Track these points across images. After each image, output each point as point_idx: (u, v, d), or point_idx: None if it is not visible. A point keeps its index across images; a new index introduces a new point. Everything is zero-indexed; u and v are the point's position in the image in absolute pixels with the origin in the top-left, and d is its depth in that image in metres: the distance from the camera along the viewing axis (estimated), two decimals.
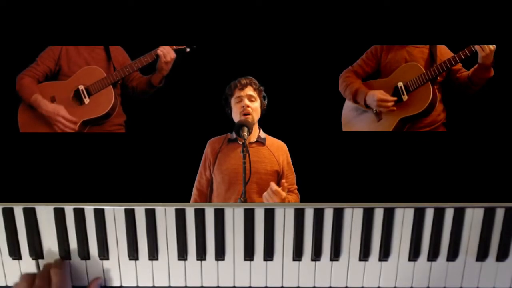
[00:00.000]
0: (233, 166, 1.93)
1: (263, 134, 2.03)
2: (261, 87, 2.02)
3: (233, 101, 1.99)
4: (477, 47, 2.01)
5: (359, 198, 1.14)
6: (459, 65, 2.16)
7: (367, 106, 2.25)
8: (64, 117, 2.15)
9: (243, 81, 1.98)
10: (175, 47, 2.17)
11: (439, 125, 2.21)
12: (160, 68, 2.18)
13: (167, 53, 2.15)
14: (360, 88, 2.25)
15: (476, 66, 2.07)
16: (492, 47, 1.99)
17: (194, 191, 2.06)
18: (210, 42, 2.25)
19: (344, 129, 2.37)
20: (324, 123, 2.43)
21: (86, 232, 1.05)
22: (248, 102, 1.94)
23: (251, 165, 1.69)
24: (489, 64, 2.03)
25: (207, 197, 2.03)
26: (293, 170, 2.05)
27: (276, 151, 2.00)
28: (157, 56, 2.16)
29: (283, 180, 1.72)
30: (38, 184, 2.19)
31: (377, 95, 2.19)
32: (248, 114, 1.93)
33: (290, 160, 2.05)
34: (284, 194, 1.59)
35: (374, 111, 2.25)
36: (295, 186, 2.05)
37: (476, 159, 2.23)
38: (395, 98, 2.18)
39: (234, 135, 2.00)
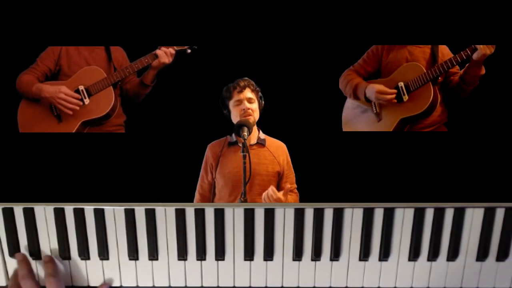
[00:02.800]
0: (235, 169, 1.93)
1: (262, 135, 2.04)
2: (258, 88, 2.02)
3: (231, 103, 1.99)
4: (479, 46, 2.00)
5: (359, 198, 1.13)
6: (457, 68, 2.16)
7: (368, 100, 2.24)
8: (66, 93, 2.15)
9: (242, 83, 1.98)
10: (176, 47, 2.17)
11: (440, 125, 2.20)
12: (156, 66, 2.17)
13: (165, 56, 2.15)
14: (360, 83, 2.24)
15: (468, 64, 2.07)
16: (492, 47, 1.99)
17: (197, 196, 2.06)
18: (209, 43, 2.24)
19: (344, 129, 2.36)
20: (324, 123, 2.43)
21: (86, 232, 1.05)
22: (249, 105, 1.94)
23: (253, 167, 1.69)
24: (481, 61, 2.02)
25: (210, 201, 2.03)
26: (293, 170, 2.06)
27: (276, 152, 2.00)
28: (154, 56, 2.16)
29: (288, 186, 1.73)
30: (38, 184, 2.18)
31: (376, 87, 2.19)
32: (249, 116, 1.93)
33: (289, 159, 2.05)
34: (284, 199, 1.60)
35: (375, 111, 2.25)
36: (295, 186, 2.06)
37: (477, 159, 2.23)
38: (395, 91, 2.17)
39: (234, 138, 2.01)
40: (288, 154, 2.05)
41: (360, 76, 2.29)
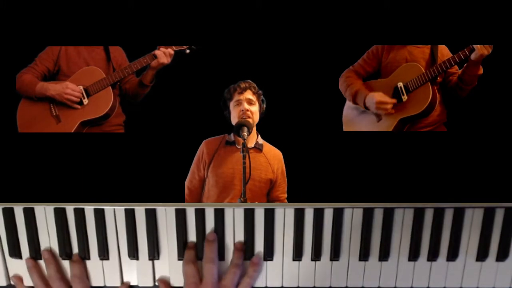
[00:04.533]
0: (229, 170, 1.93)
1: (261, 140, 2.03)
2: (260, 91, 2.02)
3: (232, 104, 1.99)
4: (476, 46, 2.00)
5: (359, 198, 1.14)
6: (455, 68, 2.16)
7: (367, 108, 2.24)
8: (72, 89, 2.15)
9: (243, 85, 1.98)
10: (174, 47, 2.17)
11: (439, 125, 2.21)
12: (155, 66, 2.17)
13: (164, 56, 2.14)
14: (360, 90, 2.24)
15: (466, 64, 2.07)
16: (490, 47, 2.00)
17: (186, 190, 2.06)
18: (209, 43, 2.25)
19: (345, 129, 2.37)
20: (324, 123, 2.43)
21: (87, 232, 1.05)
22: (248, 106, 1.94)
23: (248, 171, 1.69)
24: (479, 61, 2.03)
25: (199, 196, 2.03)
26: (286, 180, 2.06)
27: (272, 159, 2.00)
28: (153, 56, 2.16)
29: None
30: (38, 184, 2.18)
31: (376, 97, 2.18)
32: (248, 117, 1.93)
33: (284, 169, 2.05)
34: None
35: (374, 112, 2.25)
36: (285, 196, 2.06)
37: (476, 159, 2.23)
38: (394, 101, 2.17)
39: (232, 138, 2.00)
40: (283, 164, 2.05)
41: (359, 76, 2.29)
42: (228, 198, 1.90)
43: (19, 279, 1.07)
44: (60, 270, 1.05)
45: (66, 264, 1.07)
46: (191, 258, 1.04)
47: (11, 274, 1.08)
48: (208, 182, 1.99)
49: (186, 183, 2.06)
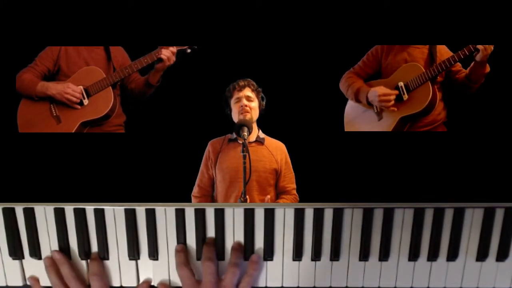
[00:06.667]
0: (233, 164, 1.98)
1: (262, 134, 2.08)
2: (259, 88, 2.08)
3: (232, 102, 2.06)
4: (480, 46, 2.01)
5: (359, 198, 1.13)
6: (459, 66, 2.17)
7: (369, 104, 2.25)
8: (73, 89, 2.16)
9: (241, 83, 2.04)
10: (176, 47, 2.17)
11: (439, 124, 2.21)
12: (161, 68, 2.17)
13: (170, 57, 2.14)
14: (362, 87, 2.26)
15: (472, 64, 2.08)
16: (492, 46, 2.00)
17: (196, 188, 2.12)
18: (210, 43, 2.25)
19: (346, 128, 2.38)
20: (324, 123, 2.43)
21: (87, 232, 1.05)
22: (246, 102, 2.00)
23: (251, 164, 1.72)
24: (485, 61, 2.04)
25: (209, 194, 2.07)
26: (292, 170, 2.09)
27: (275, 150, 2.05)
28: (158, 59, 2.15)
29: (268, 197, 1.89)
30: (38, 184, 2.18)
31: (378, 90, 2.21)
32: (247, 113, 1.98)
33: (288, 160, 2.09)
34: None
35: (375, 110, 2.25)
36: (294, 186, 2.07)
37: (476, 159, 2.23)
38: (396, 92, 2.18)
39: (234, 135, 2.05)
40: (287, 154, 2.09)
41: (360, 78, 2.30)
42: (236, 193, 1.96)
43: (36, 280, 1.07)
44: (74, 269, 1.04)
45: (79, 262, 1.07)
46: (183, 261, 1.03)
47: (9, 275, 1.08)
48: (216, 179, 2.05)
49: (196, 182, 2.12)
